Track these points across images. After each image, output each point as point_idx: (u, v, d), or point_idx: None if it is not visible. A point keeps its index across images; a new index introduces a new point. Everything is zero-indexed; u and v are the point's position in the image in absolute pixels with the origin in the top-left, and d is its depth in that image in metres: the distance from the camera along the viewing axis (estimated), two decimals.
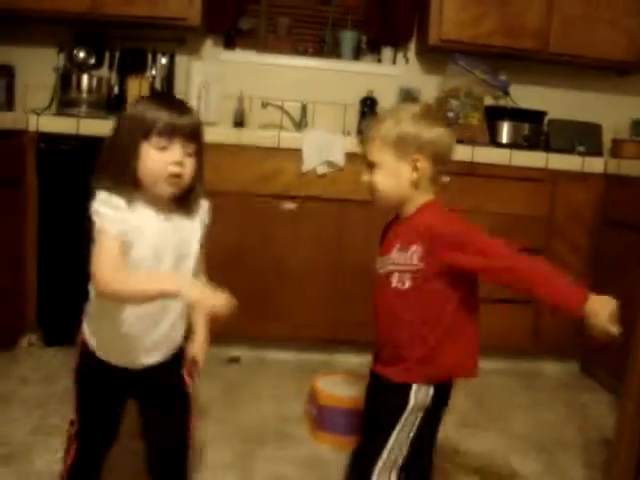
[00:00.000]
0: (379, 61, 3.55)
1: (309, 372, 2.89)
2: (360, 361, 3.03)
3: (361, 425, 1.59)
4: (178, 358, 1.52)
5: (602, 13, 3.22)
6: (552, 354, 3.21)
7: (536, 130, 3.34)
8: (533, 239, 3.04)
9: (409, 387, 1.44)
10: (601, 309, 1.28)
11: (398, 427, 1.43)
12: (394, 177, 1.42)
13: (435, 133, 1.40)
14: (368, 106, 3.37)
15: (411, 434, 1.44)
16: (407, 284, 1.43)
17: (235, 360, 2.99)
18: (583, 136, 3.39)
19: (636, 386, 1.66)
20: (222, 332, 2.96)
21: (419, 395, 1.44)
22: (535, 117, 3.36)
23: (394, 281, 1.45)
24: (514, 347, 3.15)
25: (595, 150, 3.37)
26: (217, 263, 2.89)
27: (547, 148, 3.35)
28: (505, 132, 3.29)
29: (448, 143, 1.44)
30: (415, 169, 1.40)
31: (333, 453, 2.16)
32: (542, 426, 2.55)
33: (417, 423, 1.44)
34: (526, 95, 3.49)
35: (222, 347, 3.05)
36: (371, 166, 1.44)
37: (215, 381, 2.74)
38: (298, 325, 2.97)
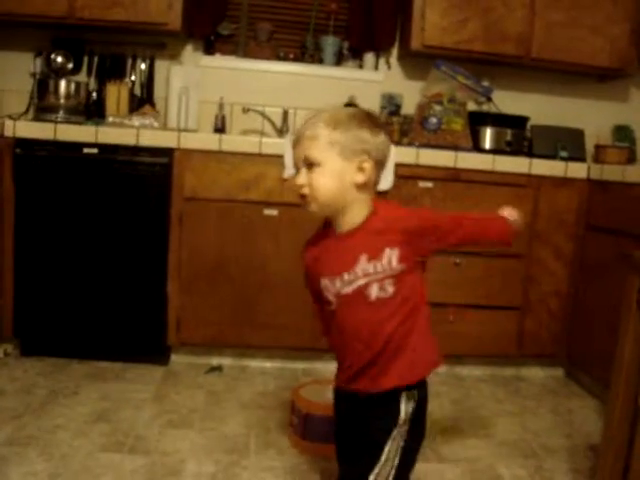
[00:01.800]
0: (361, 67, 3.53)
1: (291, 380, 2.86)
2: None
3: (340, 450, 1.54)
4: None
5: (584, 19, 3.23)
6: (537, 360, 3.20)
7: (519, 135, 3.34)
8: (516, 245, 3.00)
9: (398, 400, 1.39)
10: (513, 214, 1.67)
11: (389, 442, 1.38)
12: (337, 178, 1.33)
13: (380, 138, 1.37)
14: None
15: (402, 444, 1.39)
16: (390, 290, 1.36)
17: (216, 369, 2.94)
18: (566, 141, 3.39)
19: (622, 392, 1.64)
20: (204, 341, 2.96)
21: (408, 406, 1.40)
22: (518, 122, 3.35)
23: (374, 292, 1.36)
24: (499, 353, 3.13)
25: (578, 155, 3.38)
26: (198, 270, 2.87)
27: (530, 153, 3.35)
28: (488, 138, 3.28)
29: (388, 151, 1.41)
30: (361, 170, 1.34)
31: (318, 462, 2.12)
32: (528, 432, 2.52)
33: (407, 433, 1.40)
34: (509, 101, 3.49)
35: (204, 356, 3.01)
36: (310, 166, 1.34)
37: (197, 390, 2.69)
38: (280, 333, 2.94)
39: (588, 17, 3.23)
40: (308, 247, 1.50)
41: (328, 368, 2.98)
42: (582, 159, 3.38)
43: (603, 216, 2.94)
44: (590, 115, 3.63)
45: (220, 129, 3.30)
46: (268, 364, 3.04)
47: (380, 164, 1.37)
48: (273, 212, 2.89)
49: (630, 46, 3.28)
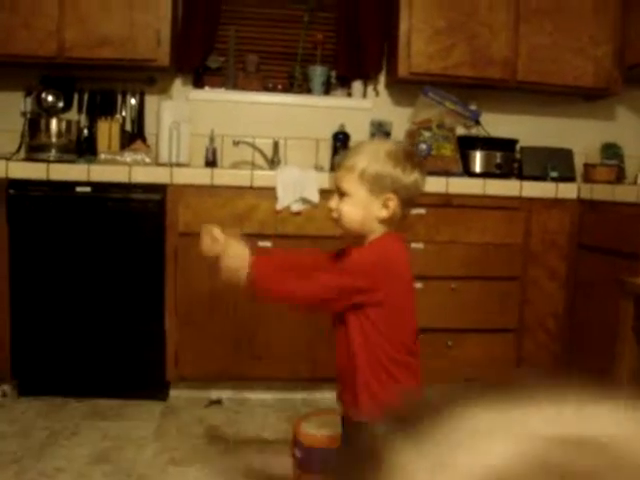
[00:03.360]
0: (349, 95, 3.56)
1: (291, 411, 2.85)
2: None
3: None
4: None
5: (568, 42, 3.27)
6: None
7: (508, 158, 3.37)
8: (510, 267, 3.05)
9: None
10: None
11: None
12: (363, 209, 1.44)
13: (412, 179, 1.44)
14: (340, 140, 3.37)
15: None
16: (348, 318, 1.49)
17: (216, 403, 2.93)
18: (555, 162, 3.42)
19: None
20: (203, 375, 2.95)
21: None
22: (507, 145, 3.39)
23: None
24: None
25: (568, 175, 3.41)
26: (195, 304, 2.87)
27: (520, 175, 3.38)
28: (478, 161, 3.31)
29: (420, 190, 1.48)
30: (386, 206, 1.43)
31: None
32: None
33: None
34: (497, 124, 3.52)
35: (203, 390, 3.00)
36: (342, 194, 1.46)
37: (197, 426, 2.68)
38: (278, 364, 2.93)
39: (571, 39, 3.28)
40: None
41: (326, 397, 2.97)
42: (572, 178, 3.41)
43: (594, 235, 2.97)
44: (578, 134, 3.67)
45: (211, 162, 3.31)
46: (268, 396, 3.03)
47: (408, 202, 1.46)
48: (267, 244, 2.89)
49: (614, 66, 3.32)
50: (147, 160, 3.02)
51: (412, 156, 1.49)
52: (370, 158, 1.43)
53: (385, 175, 1.42)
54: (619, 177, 3.49)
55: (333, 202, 1.48)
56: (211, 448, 2.47)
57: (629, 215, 2.68)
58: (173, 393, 3.00)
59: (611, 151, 3.65)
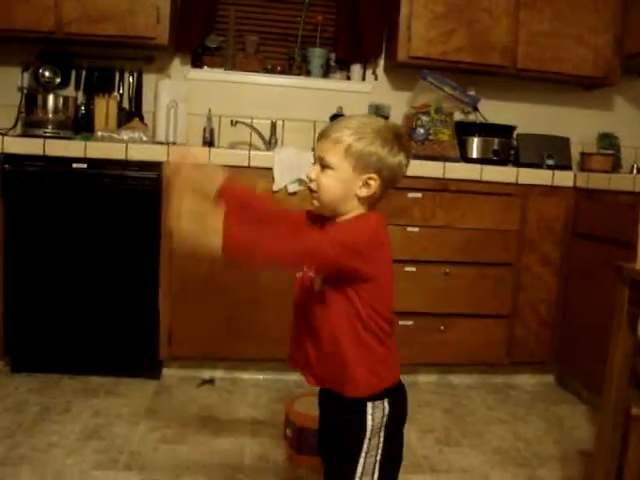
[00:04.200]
0: (348, 78, 3.55)
1: (284, 392, 2.86)
2: None
3: (322, 455, 1.53)
4: None
5: (568, 30, 3.27)
6: (527, 367, 3.22)
7: (505, 144, 3.37)
8: (505, 253, 3.06)
9: (364, 409, 1.38)
10: None
11: (363, 454, 1.37)
12: (343, 185, 1.38)
13: (397, 160, 1.39)
14: None
15: (378, 457, 1.38)
16: (322, 287, 1.42)
17: (209, 382, 2.93)
18: (552, 150, 3.43)
19: (614, 400, 1.66)
20: (196, 355, 2.95)
21: (376, 415, 1.38)
22: (504, 132, 3.39)
23: (317, 285, 1.43)
24: (489, 361, 3.15)
25: (564, 163, 3.42)
26: (189, 284, 2.86)
27: (517, 162, 3.38)
28: (475, 147, 3.31)
29: (402, 173, 1.43)
30: (366, 185, 1.38)
31: (313, 475, 2.12)
32: (520, 440, 2.54)
33: (381, 445, 1.38)
34: (495, 110, 3.52)
35: (196, 370, 3.01)
36: (323, 166, 1.39)
37: (190, 404, 2.69)
38: (271, 345, 2.92)
39: (571, 27, 3.27)
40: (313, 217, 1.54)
41: None
42: (568, 167, 3.42)
43: (589, 223, 2.98)
44: (575, 123, 3.67)
45: (209, 142, 3.30)
46: (260, 376, 3.04)
47: (389, 183, 1.40)
48: None
49: (613, 55, 3.32)
50: (144, 138, 3.00)
51: (401, 137, 1.42)
52: (358, 133, 1.36)
53: (371, 153, 1.36)
54: (615, 167, 3.50)
55: (313, 172, 1.41)
56: (203, 427, 2.48)
57: (625, 204, 2.69)
58: (166, 372, 3.00)
59: (608, 141, 3.66)
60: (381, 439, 1.38)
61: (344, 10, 3.40)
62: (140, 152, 2.78)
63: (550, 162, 3.37)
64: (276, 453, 2.30)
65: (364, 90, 3.53)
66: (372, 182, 1.37)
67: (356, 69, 3.52)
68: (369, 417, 1.37)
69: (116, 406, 2.61)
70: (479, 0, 3.21)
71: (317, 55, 3.46)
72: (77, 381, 2.84)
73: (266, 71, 3.46)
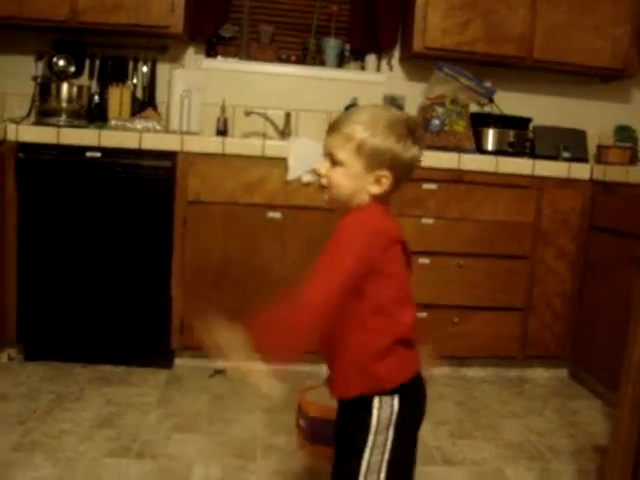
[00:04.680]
0: (363, 68, 3.53)
1: (296, 383, 2.84)
2: None
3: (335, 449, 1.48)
4: None
5: (586, 20, 3.23)
6: (541, 361, 3.19)
7: (521, 136, 3.34)
8: (520, 245, 3.03)
9: (370, 404, 1.33)
10: None
11: (367, 450, 1.33)
12: (354, 182, 1.33)
13: (410, 154, 1.34)
14: None
15: (386, 456, 1.33)
16: None
17: (221, 372, 2.93)
18: (568, 142, 3.39)
19: (631, 394, 1.64)
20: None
21: (382, 412, 1.33)
22: (520, 124, 3.35)
23: None
24: (503, 354, 3.13)
25: (580, 156, 3.38)
26: (202, 274, 2.86)
27: (532, 154, 3.35)
28: (491, 139, 3.28)
29: (416, 167, 1.38)
30: (378, 183, 1.32)
31: (325, 465, 2.11)
32: (533, 433, 2.52)
33: (389, 444, 1.33)
34: (511, 102, 3.49)
35: (207, 359, 3.00)
36: (334, 162, 1.33)
37: (202, 394, 2.69)
38: None
39: (589, 18, 3.24)
40: None
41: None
42: (584, 159, 3.38)
43: (606, 216, 2.94)
44: (592, 116, 3.63)
45: (222, 132, 3.29)
46: (272, 366, 3.03)
47: (402, 178, 1.36)
48: (277, 215, 2.89)
49: (632, 47, 3.28)
50: (158, 128, 3.00)
51: (415, 129, 1.36)
52: (370, 128, 1.31)
53: (385, 150, 1.30)
54: (632, 160, 3.45)
55: (323, 168, 1.35)
56: (215, 416, 2.48)
57: None
58: (178, 362, 3.00)
59: (625, 133, 3.62)
60: (389, 437, 1.33)
61: (359, 1, 3.37)
62: (154, 141, 2.78)
63: (566, 155, 3.33)
64: (288, 443, 2.29)
65: (379, 81, 3.51)
66: (384, 180, 1.32)
67: (371, 59, 3.50)
68: (375, 412, 1.33)
69: (128, 395, 2.62)
70: None
71: (332, 45, 3.44)
72: (90, 370, 2.85)
73: (280, 61, 3.45)
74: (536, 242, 3.04)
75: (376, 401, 1.33)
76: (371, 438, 1.33)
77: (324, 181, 1.37)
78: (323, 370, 3.03)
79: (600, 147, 3.48)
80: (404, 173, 1.35)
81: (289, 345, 1.25)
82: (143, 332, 2.89)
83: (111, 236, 2.81)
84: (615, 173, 2.90)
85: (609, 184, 2.93)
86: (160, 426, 2.36)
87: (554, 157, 3.28)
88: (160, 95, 3.32)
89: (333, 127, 1.36)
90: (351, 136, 1.31)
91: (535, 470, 2.22)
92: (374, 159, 1.31)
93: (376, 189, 1.33)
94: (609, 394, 2.81)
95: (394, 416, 1.34)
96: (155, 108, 3.25)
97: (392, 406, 1.34)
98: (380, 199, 1.37)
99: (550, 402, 2.89)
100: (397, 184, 1.36)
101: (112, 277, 2.84)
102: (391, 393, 1.34)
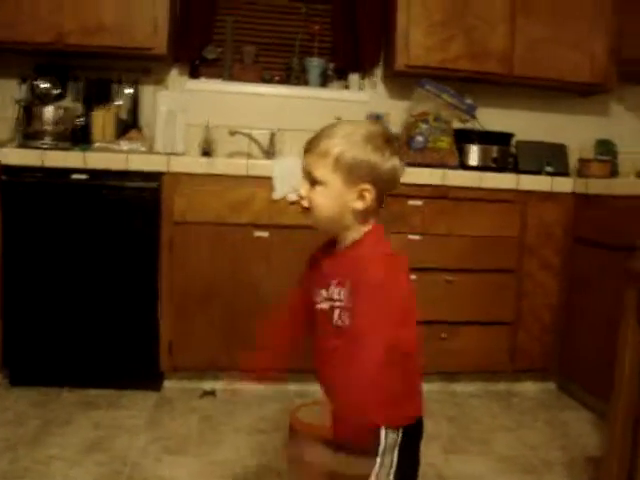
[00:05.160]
0: (346, 87, 3.56)
1: (286, 403, 2.84)
2: None
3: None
4: None
5: (565, 36, 3.28)
6: (529, 374, 3.20)
7: (504, 152, 3.37)
8: (505, 259, 3.05)
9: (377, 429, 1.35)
10: None
11: (376, 468, 1.34)
12: (337, 201, 1.30)
13: (390, 165, 1.30)
14: None
15: (392, 470, 1.35)
16: (347, 321, 1.32)
17: (210, 394, 2.91)
18: (550, 157, 3.44)
19: (623, 405, 1.65)
20: (196, 366, 2.93)
21: (389, 436, 1.35)
22: (503, 139, 3.39)
23: (335, 317, 1.34)
24: (492, 369, 3.14)
25: (562, 170, 3.42)
26: (190, 294, 2.85)
27: (516, 169, 3.38)
28: (474, 155, 3.31)
29: (398, 179, 1.35)
30: (361, 198, 1.29)
31: None
32: (525, 447, 2.52)
33: (395, 461, 1.35)
34: (493, 118, 3.52)
35: (197, 381, 2.98)
36: (313, 182, 1.31)
37: (191, 416, 2.66)
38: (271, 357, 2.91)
39: (568, 34, 3.29)
40: (317, 253, 1.48)
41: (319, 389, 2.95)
42: (566, 173, 3.42)
43: (589, 229, 2.98)
44: (572, 130, 3.68)
45: (207, 152, 3.29)
46: (261, 387, 3.01)
47: (386, 190, 1.33)
48: (264, 234, 2.89)
49: (610, 61, 3.33)
50: (142, 149, 3.00)
51: (391, 141, 1.33)
52: (346, 142, 1.27)
53: (363, 162, 1.27)
54: (612, 173, 3.50)
55: (303, 190, 1.33)
56: (205, 438, 2.45)
57: (625, 208, 2.69)
58: (167, 384, 2.97)
59: (605, 147, 3.66)
60: (395, 461, 1.35)
61: (341, 20, 3.41)
62: (140, 162, 2.77)
63: (549, 169, 3.37)
64: (280, 464, 2.27)
65: (362, 99, 3.54)
66: (367, 194, 1.29)
67: (354, 78, 3.53)
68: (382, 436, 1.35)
69: (117, 418, 2.59)
70: (476, 6, 3.22)
71: (315, 65, 3.47)
72: (77, 394, 2.81)
73: (264, 81, 3.46)
74: (522, 256, 3.07)
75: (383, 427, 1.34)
76: (379, 459, 1.34)
77: (305, 203, 1.34)
78: (311, 389, 3.02)
79: (581, 161, 3.52)
80: (386, 185, 1.32)
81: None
82: (131, 354, 2.86)
83: (97, 258, 2.79)
84: (597, 186, 2.94)
85: (591, 197, 2.96)
86: (150, 449, 2.33)
87: (537, 172, 3.32)
88: (144, 117, 3.32)
89: (309, 146, 1.34)
90: (327, 152, 1.28)
91: None
92: (353, 172, 1.28)
93: (360, 204, 1.30)
94: (598, 405, 2.83)
95: (400, 441, 1.35)
96: (139, 130, 3.25)
97: (396, 431, 1.35)
98: (366, 218, 1.34)
99: (540, 415, 2.90)
100: (380, 198, 1.33)
101: (99, 300, 2.82)
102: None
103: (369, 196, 1.30)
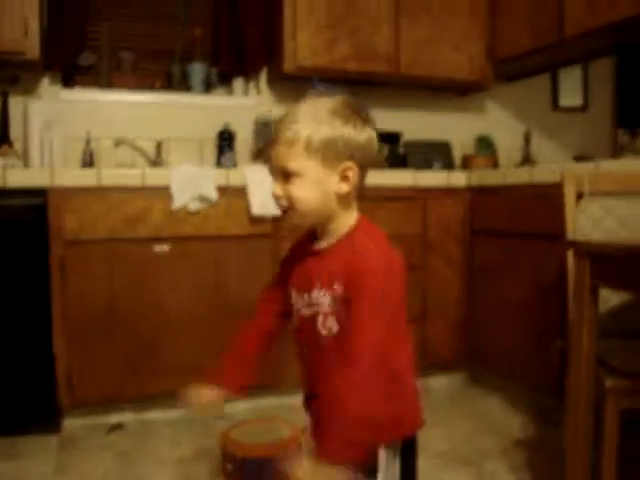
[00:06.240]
0: (231, 93, 3.43)
1: (202, 427, 2.64)
2: (260, 405, 2.84)
3: None
4: None
5: (445, 36, 3.37)
6: (440, 368, 3.22)
7: (394, 151, 3.40)
8: (411, 257, 3.05)
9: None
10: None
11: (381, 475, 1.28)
12: (318, 189, 1.19)
13: (366, 136, 1.20)
14: (226, 140, 3.20)
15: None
16: (334, 328, 1.22)
17: (117, 427, 2.65)
18: (437, 154, 3.52)
19: (584, 380, 1.64)
20: (100, 398, 2.65)
21: (389, 453, 1.30)
22: (392, 139, 3.42)
23: (319, 324, 1.24)
24: None
25: (449, 166, 3.51)
26: (88, 320, 2.58)
27: (405, 168, 3.41)
28: None
29: (376, 147, 1.25)
30: (345, 179, 1.19)
31: None
32: (456, 440, 2.52)
33: (397, 469, 1.31)
34: (381, 118, 3.53)
35: (102, 415, 2.70)
36: (287, 176, 1.19)
37: (104, 454, 2.39)
38: (184, 376, 2.69)
39: (448, 34, 3.38)
40: (295, 249, 1.38)
41: (240, 409, 2.79)
42: (452, 169, 3.50)
43: (485, 220, 3.06)
44: (454, 127, 3.79)
45: (89, 165, 3.03)
46: (173, 414, 2.78)
47: (367, 165, 1.22)
48: (164, 247, 2.69)
49: (486, 61, 3.47)
50: (16, 165, 2.70)
51: (359, 110, 1.21)
52: (312, 123, 1.16)
53: (336, 137, 1.16)
54: (495, 166, 3.66)
55: (278, 188, 1.20)
56: (126, 476, 2.21)
57: (520, 196, 2.79)
58: (68, 422, 2.67)
59: (484, 143, 3.82)
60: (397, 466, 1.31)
61: (223, 23, 3.29)
62: (20, 178, 2.48)
63: (437, 166, 3.45)
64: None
65: (248, 104, 3.42)
66: (350, 173, 1.19)
67: (238, 83, 3.40)
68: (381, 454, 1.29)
69: (19, 469, 2.25)
70: (360, 7, 3.22)
71: (197, 70, 3.31)
72: None
73: (144, 89, 3.25)
74: (426, 252, 3.09)
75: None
76: (381, 475, 1.28)
77: (283, 202, 1.22)
78: (228, 410, 2.81)
79: (465, 157, 3.64)
80: (367, 159, 1.22)
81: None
82: (24, 395, 2.53)
83: None
84: (486, 178, 3.03)
85: (484, 189, 3.04)
86: None
87: (428, 169, 3.37)
88: (14, 130, 2.98)
89: (274, 139, 1.21)
90: (294, 139, 1.17)
91: (472, 474, 2.22)
92: (329, 154, 1.17)
93: (345, 187, 1.20)
94: (510, 388, 2.92)
95: (399, 457, 1.32)
96: (10, 144, 2.92)
97: (393, 448, 1.31)
98: (352, 202, 1.25)
99: (459, 406, 2.92)
100: (363, 175, 1.23)
101: None
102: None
103: (352, 174, 1.20)
